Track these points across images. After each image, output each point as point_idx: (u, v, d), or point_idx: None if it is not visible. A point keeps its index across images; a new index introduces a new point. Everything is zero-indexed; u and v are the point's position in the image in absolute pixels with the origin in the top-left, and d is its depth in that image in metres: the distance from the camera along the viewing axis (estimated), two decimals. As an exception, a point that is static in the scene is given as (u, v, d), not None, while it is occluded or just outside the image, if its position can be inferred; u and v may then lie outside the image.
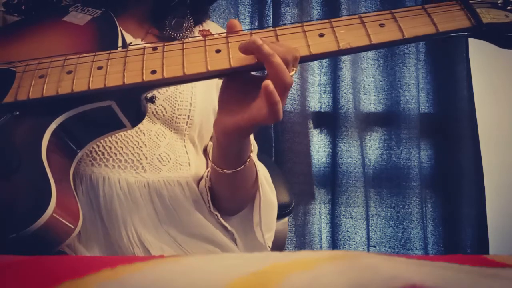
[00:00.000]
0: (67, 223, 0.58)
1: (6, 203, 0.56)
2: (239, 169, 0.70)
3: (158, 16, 0.84)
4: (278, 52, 0.56)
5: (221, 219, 0.77)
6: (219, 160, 0.71)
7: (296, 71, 0.57)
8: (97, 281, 0.31)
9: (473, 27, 0.56)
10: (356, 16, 0.59)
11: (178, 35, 0.83)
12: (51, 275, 0.33)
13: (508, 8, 0.57)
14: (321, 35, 0.58)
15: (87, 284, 0.31)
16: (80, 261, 0.42)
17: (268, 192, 0.81)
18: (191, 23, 0.85)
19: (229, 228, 0.78)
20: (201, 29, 0.88)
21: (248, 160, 0.71)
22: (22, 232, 0.53)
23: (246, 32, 0.61)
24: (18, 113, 0.62)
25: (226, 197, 0.77)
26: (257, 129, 0.63)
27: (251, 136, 0.89)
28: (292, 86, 1.51)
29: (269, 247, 0.81)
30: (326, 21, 0.59)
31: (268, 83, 0.55)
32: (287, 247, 1.49)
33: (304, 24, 0.60)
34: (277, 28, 0.60)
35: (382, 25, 0.57)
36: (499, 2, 0.58)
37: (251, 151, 0.72)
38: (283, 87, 0.56)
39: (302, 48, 0.58)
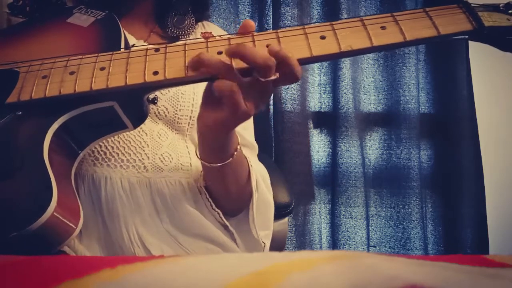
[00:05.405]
0: (68, 223, 0.58)
1: (7, 201, 0.57)
2: (227, 162, 0.70)
3: (160, 13, 0.85)
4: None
5: (222, 217, 0.77)
6: (206, 154, 0.70)
7: (277, 76, 0.57)
8: (97, 281, 0.31)
9: (475, 30, 0.56)
10: (358, 18, 0.59)
11: (180, 32, 0.83)
12: (51, 275, 0.33)
13: (510, 11, 0.57)
14: (323, 37, 0.58)
15: (87, 284, 0.31)
16: (80, 261, 0.42)
17: (264, 191, 0.81)
18: (193, 20, 0.86)
19: (230, 228, 0.78)
20: (203, 31, 0.89)
21: (235, 152, 0.70)
22: (23, 231, 0.53)
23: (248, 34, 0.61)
24: (20, 113, 0.62)
25: (221, 194, 0.77)
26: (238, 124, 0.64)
27: (252, 136, 0.89)
28: (292, 86, 1.53)
29: (263, 243, 0.80)
30: (328, 23, 0.59)
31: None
32: (287, 247, 1.49)
33: (306, 26, 0.60)
34: (278, 30, 0.60)
35: (383, 28, 0.58)
36: (500, 5, 0.58)
37: (238, 144, 0.71)
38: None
39: (304, 50, 0.58)
